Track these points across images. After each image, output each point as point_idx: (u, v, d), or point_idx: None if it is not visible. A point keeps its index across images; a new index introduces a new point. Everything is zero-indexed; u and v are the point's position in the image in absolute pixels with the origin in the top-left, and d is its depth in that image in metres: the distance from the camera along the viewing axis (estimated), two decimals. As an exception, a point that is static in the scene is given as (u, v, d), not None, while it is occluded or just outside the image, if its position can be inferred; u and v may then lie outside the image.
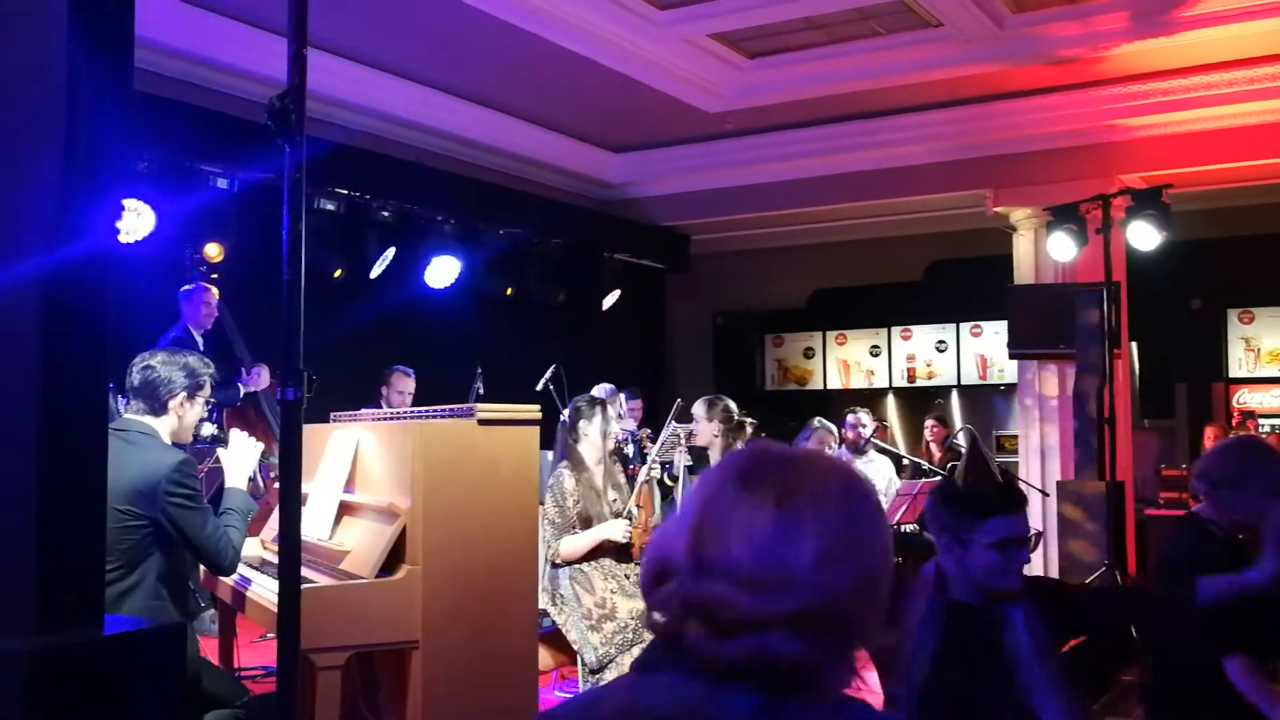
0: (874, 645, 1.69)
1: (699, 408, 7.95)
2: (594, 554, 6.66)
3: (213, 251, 9.46)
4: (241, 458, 5.30)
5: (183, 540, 4.84)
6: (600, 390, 9.81)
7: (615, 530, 6.67)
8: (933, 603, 3.54)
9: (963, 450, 11.88)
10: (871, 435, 10.83)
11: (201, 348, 9.00)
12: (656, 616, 1.67)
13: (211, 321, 9.09)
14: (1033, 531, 3.87)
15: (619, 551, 6.81)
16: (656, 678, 1.64)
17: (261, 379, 9.11)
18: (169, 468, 4.83)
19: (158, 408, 5.10)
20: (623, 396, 10.75)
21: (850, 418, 10.68)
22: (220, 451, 5.44)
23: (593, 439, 6.87)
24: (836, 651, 1.61)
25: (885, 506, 10.51)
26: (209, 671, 5.21)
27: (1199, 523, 4.55)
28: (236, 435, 5.41)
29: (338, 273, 10.42)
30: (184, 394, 5.17)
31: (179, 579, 5.02)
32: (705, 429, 7.82)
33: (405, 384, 10.02)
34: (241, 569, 5.89)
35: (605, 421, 6.95)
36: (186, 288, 9.06)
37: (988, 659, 3.41)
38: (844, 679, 1.63)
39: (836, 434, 9.96)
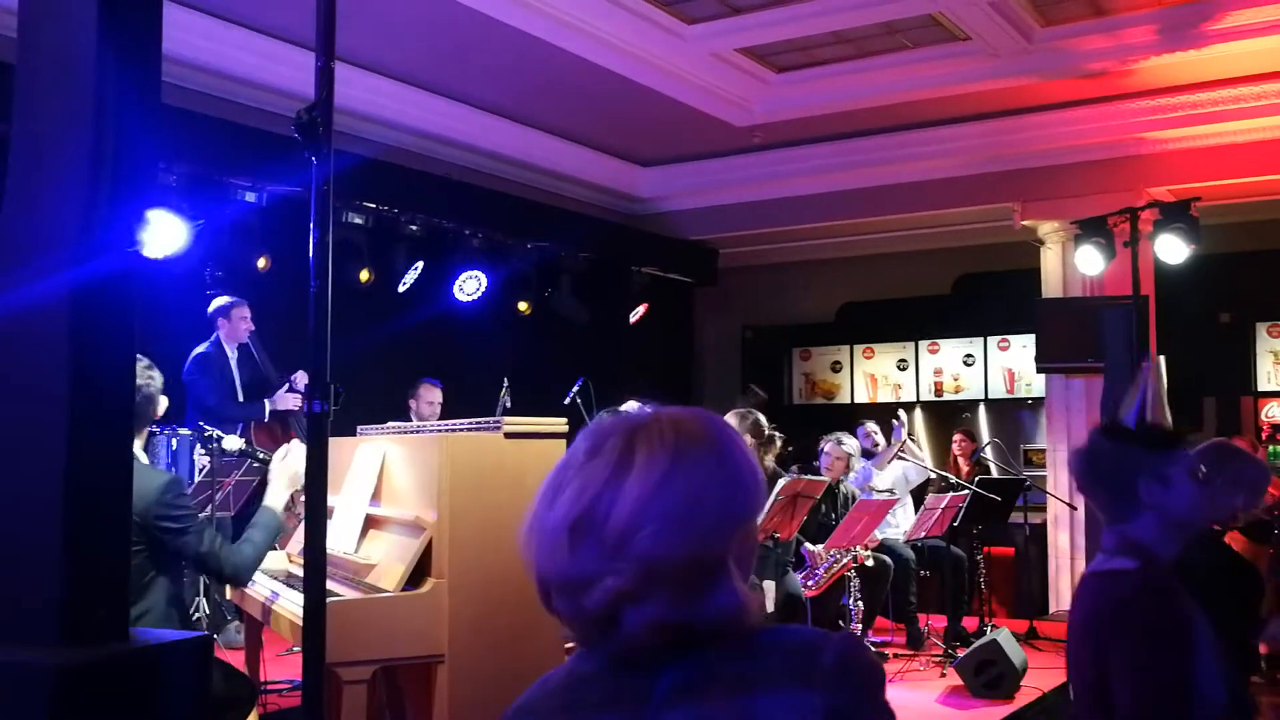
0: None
1: (730, 421, 7.95)
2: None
3: (261, 264, 9.48)
4: (289, 474, 5.23)
5: (184, 560, 4.83)
6: (629, 408, 9.81)
7: None
8: (1167, 604, 3.13)
9: (991, 463, 11.87)
10: (896, 446, 10.84)
11: (235, 363, 9.02)
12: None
13: (245, 334, 9.10)
14: None
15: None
16: (588, 653, 1.73)
17: (296, 392, 9.00)
18: (157, 490, 4.78)
19: (144, 422, 5.08)
20: None
21: (860, 429, 10.80)
22: (276, 460, 5.37)
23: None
24: (696, 605, 1.61)
25: (898, 510, 10.54)
26: (219, 670, 5.22)
27: None
28: (297, 447, 5.33)
29: (365, 274, 10.41)
30: (163, 400, 5.17)
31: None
32: None
33: (433, 395, 10.03)
34: (268, 582, 5.90)
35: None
36: (221, 302, 9.06)
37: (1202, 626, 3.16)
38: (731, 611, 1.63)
39: (858, 447, 9.98)
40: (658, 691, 1.61)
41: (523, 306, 12.27)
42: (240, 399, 9.03)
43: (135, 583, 4.79)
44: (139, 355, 5.24)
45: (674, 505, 1.60)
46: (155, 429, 7.48)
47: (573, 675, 1.73)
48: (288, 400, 8.96)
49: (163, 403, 5.23)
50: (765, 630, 1.66)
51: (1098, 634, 3.16)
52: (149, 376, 5.08)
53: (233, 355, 9.04)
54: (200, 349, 8.82)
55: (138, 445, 5.11)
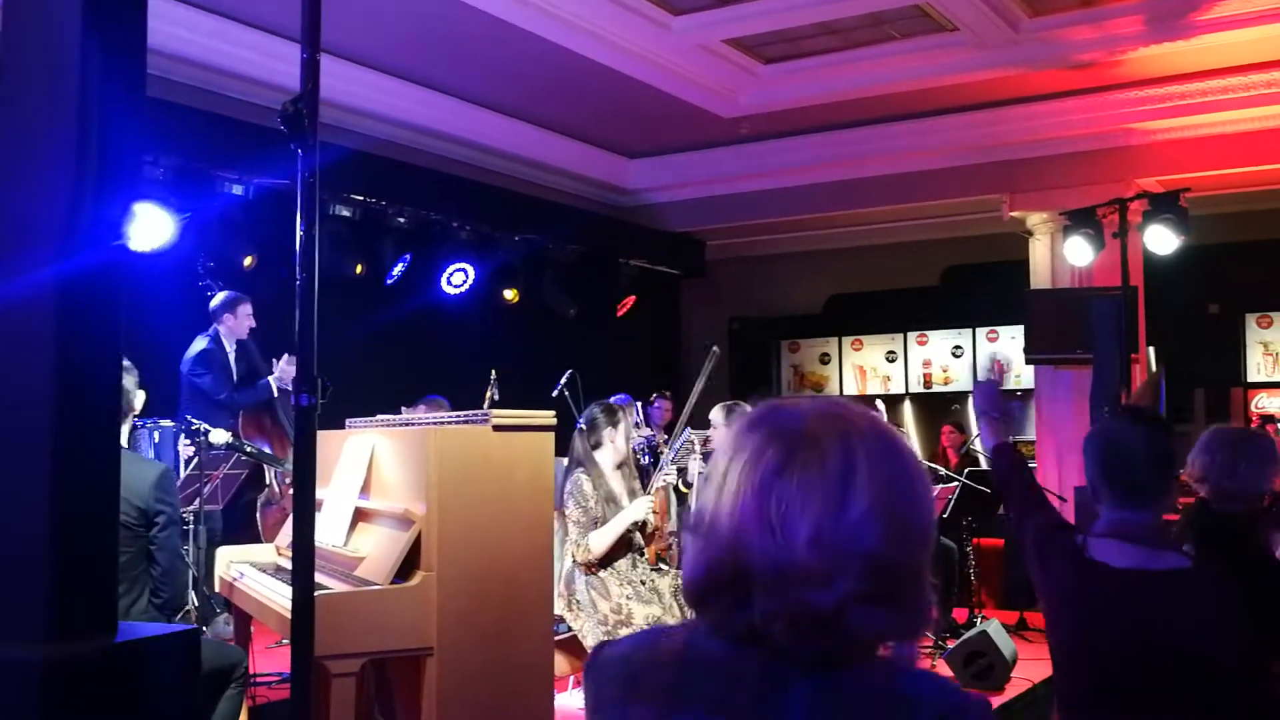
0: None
1: (717, 414, 7.94)
2: (613, 557, 6.65)
3: (247, 262, 9.45)
4: None
5: (162, 553, 4.85)
6: (617, 401, 9.81)
7: (639, 510, 6.66)
8: None
9: (980, 454, 11.87)
10: None
11: (234, 356, 8.99)
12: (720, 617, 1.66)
13: (246, 331, 9.07)
14: None
15: (635, 554, 6.80)
16: (716, 634, 1.66)
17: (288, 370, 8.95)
18: (156, 477, 4.84)
19: (124, 413, 5.10)
20: (638, 405, 10.72)
21: None
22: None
23: (617, 445, 6.87)
24: (907, 612, 1.62)
25: None
26: (208, 648, 5.23)
27: None
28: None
29: (359, 268, 10.41)
30: (135, 397, 5.19)
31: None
32: (724, 434, 7.80)
33: (437, 413, 10.01)
34: (256, 574, 5.90)
35: (625, 428, 6.96)
36: (221, 297, 9.02)
37: None
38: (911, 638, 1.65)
39: None
40: (784, 709, 1.58)
41: (510, 294, 12.26)
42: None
43: (127, 574, 4.80)
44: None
45: (900, 508, 1.60)
46: (138, 422, 7.47)
47: (688, 653, 1.68)
48: (288, 372, 8.89)
49: (139, 397, 5.25)
50: (905, 675, 1.64)
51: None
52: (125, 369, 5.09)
53: (231, 350, 9.00)
54: (201, 346, 8.77)
55: (123, 440, 5.12)
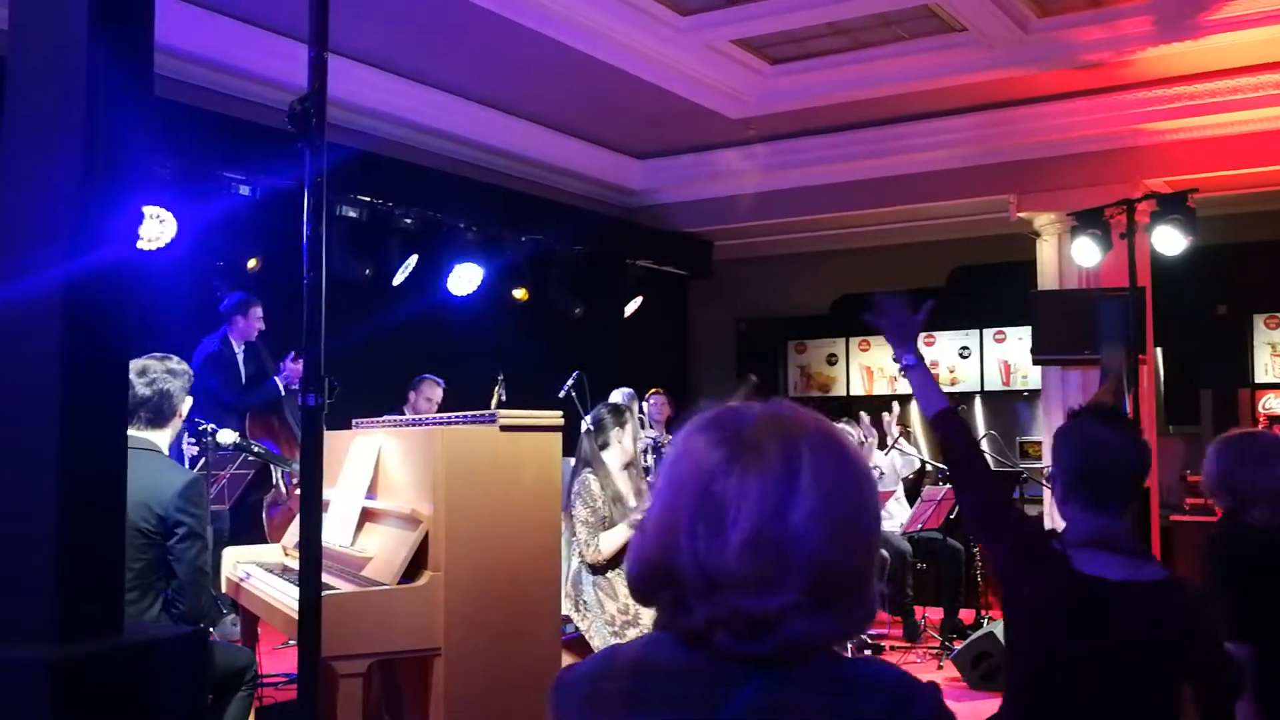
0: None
1: None
2: (621, 557, 6.64)
3: (251, 264, 9.45)
4: None
5: (179, 566, 4.82)
6: (619, 395, 9.80)
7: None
8: None
9: (987, 455, 11.85)
10: (893, 439, 10.81)
11: (242, 358, 8.99)
12: (668, 618, 1.67)
13: (255, 333, 9.07)
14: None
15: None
16: (669, 639, 1.68)
17: (295, 369, 8.96)
18: (182, 486, 4.82)
19: (166, 418, 5.09)
20: (639, 404, 10.71)
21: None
22: None
23: (624, 445, 6.87)
24: (850, 617, 1.64)
25: (890, 502, 10.48)
26: (217, 651, 5.24)
27: None
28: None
29: (368, 271, 10.42)
30: (187, 397, 5.17)
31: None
32: None
33: (435, 392, 10.01)
34: (263, 575, 5.90)
35: (633, 428, 6.96)
36: (236, 299, 9.02)
37: None
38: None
39: (862, 433, 9.94)
40: (735, 702, 1.59)
41: (519, 293, 12.25)
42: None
43: (144, 581, 4.78)
44: (167, 354, 5.26)
45: (844, 512, 1.61)
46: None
47: (643, 661, 1.70)
48: (296, 371, 8.88)
49: (187, 402, 5.23)
50: (853, 661, 1.66)
51: None
52: (169, 372, 5.08)
53: (239, 352, 9.00)
54: (209, 348, 8.77)
55: (163, 442, 5.11)
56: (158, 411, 5.04)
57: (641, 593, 1.71)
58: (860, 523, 1.63)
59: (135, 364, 5.06)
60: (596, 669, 1.76)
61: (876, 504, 1.69)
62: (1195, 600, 3.34)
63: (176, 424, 5.22)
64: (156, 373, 5.04)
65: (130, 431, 5.00)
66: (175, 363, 5.17)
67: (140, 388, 5.00)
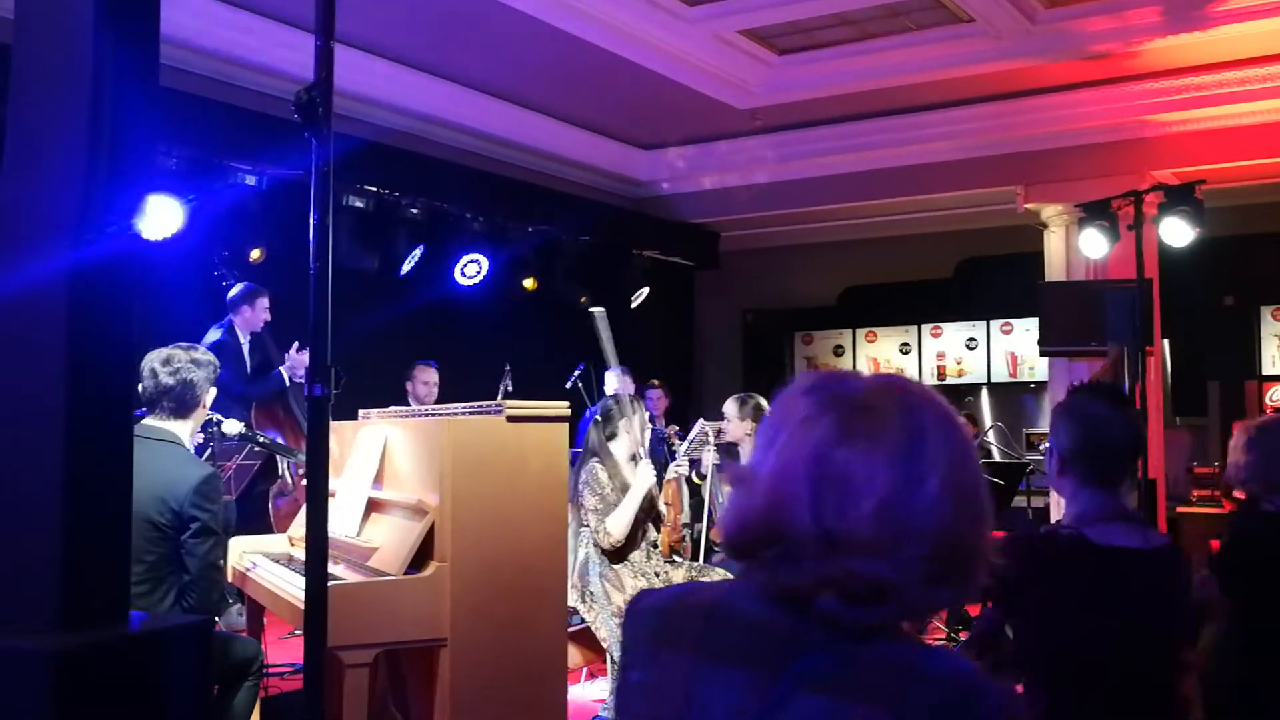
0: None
1: (730, 406, 7.94)
2: (629, 547, 6.64)
3: (255, 255, 9.45)
4: None
5: (189, 560, 4.83)
6: (612, 376, 9.77)
7: (646, 477, 6.64)
8: None
9: (994, 446, 11.86)
10: None
11: (248, 349, 8.98)
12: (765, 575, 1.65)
13: (261, 324, 9.06)
14: None
15: (649, 546, 6.80)
16: (751, 590, 1.67)
17: (300, 360, 8.96)
18: (198, 481, 4.82)
19: (189, 408, 5.09)
20: (631, 381, 10.62)
21: None
22: None
23: (633, 435, 6.87)
24: (964, 589, 1.63)
25: None
26: (223, 641, 5.24)
27: None
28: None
29: (375, 264, 10.43)
30: (211, 388, 5.17)
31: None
32: (737, 427, 7.82)
33: (429, 375, 9.98)
34: (270, 565, 5.90)
35: (640, 419, 6.95)
36: (239, 289, 9.01)
37: None
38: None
39: None
40: (797, 666, 1.58)
41: (529, 283, 12.25)
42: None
43: (157, 573, 4.79)
44: (192, 344, 5.26)
45: (967, 484, 1.61)
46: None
47: (721, 608, 1.70)
48: (299, 361, 8.87)
49: (211, 393, 5.23)
50: (928, 652, 1.62)
51: None
52: (193, 362, 5.08)
53: (245, 343, 8.99)
54: (214, 337, 8.75)
55: (185, 433, 5.11)
56: (181, 401, 5.04)
57: (739, 549, 1.69)
58: (979, 494, 1.62)
59: (160, 353, 5.07)
60: (670, 604, 1.77)
61: (983, 481, 1.66)
62: (1189, 568, 3.48)
63: (200, 415, 5.22)
64: (181, 362, 5.04)
65: (152, 421, 5.02)
66: (200, 353, 5.17)
67: (164, 377, 5.00)
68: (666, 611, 1.76)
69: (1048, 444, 3.56)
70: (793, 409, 1.67)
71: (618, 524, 6.53)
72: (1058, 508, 11.60)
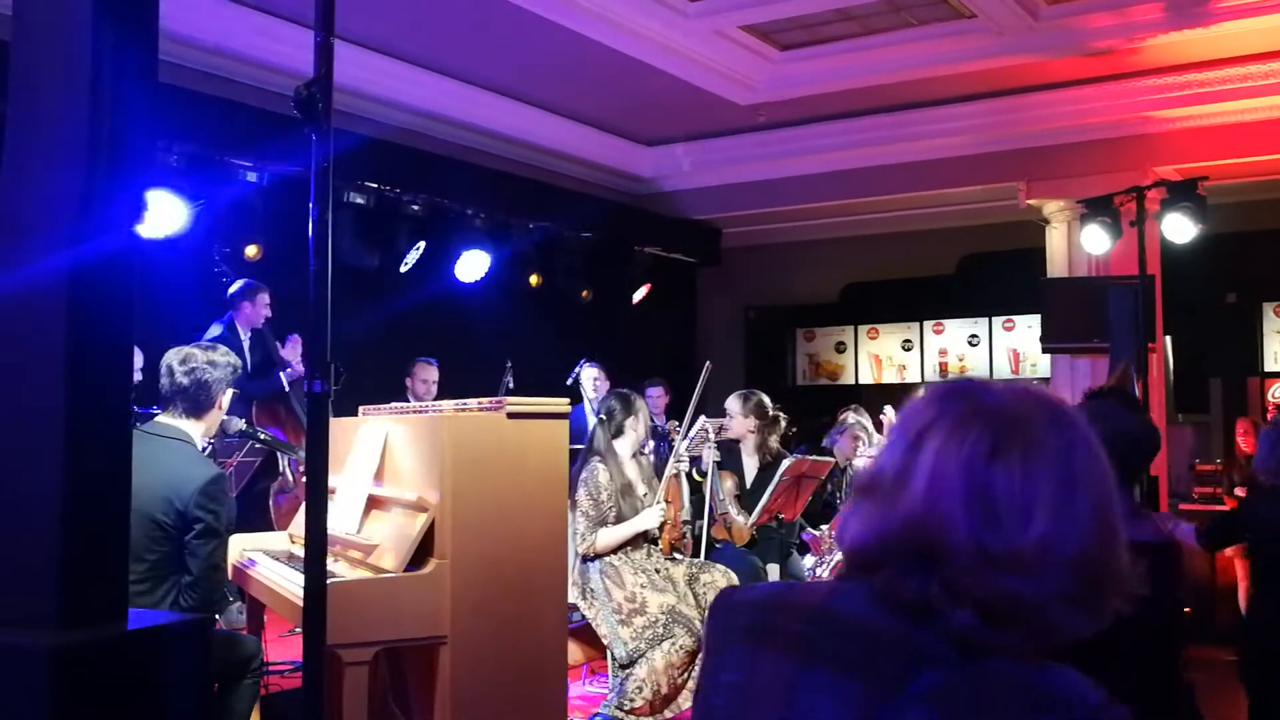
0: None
1: (733, 403, 7.93)
2: (624, 546, 6.65)
3: (252, 252, 9.44)
4: None
5: (192, 560, 4.82)
6: (588, 376, 9.77)
7: (651, 520, 6.66)
8: None
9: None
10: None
11: (248, 345, 8.98)
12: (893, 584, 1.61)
13: (262, 321, 9.05)
14: None
15: (649, 544, 6.80)
16: (858, 592, 1.63)
17: (297, 355, 8.97)
18: (204, 481, 4.82)
19: (203, 409, 5.09)
20: (600, 374, 10.54)
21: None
22: None
23: (637, 432, 6.87)
24: (1102, 610, 1.59)
25: None
26: (223, 640, 5.23)
27: None
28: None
29: (375, 262, 10.42)
30: (228, 390, 5.17)
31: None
32: (740, 424, 7.81)
33: (429, 373, 9.98)
34: (269, 562, 5.89)
35: (644, 415, 6.96)
36: (239, 285, 9.01)
37: None
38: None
39: (871, 424, 9.84)
40: (915, 683, 1.54)
41: (534, 279, 12.25)
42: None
43: (159, 571, 4.78)
44: (213, 344, 5.25)
45: (1106, 504, 1.58)
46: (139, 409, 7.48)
47: (828, 610, 1.65)
48: (298, 351, 8.87)
49: (228, 395, 5.22)
50: (1051, 673, 1.58)
51: None
52: (209, 363, 5.07)
53: (245, 339, 8.98)
54: (214, 334, 8.75)
55: (198, 433, 5.10)
56: (194, 402, 5.04)
57: (866, 560, 1.64)
58: (1115, 512, 1.59)
59: (178, 352, 5.07)
60: (767, 601, 1.72)
61: (1115, 498, 1.62)
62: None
63: (214, 416, 5.22)
64: (197, 362, 5.04)
65: (165, 419, 5.02)
66: (219, 354, 5.16)
67: (179, 376, 5.00)
68: (763, 608, 1.71)
69: None
70: (932, 418, 1.64)
71: (606, 542, 6.56)
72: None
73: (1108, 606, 1.59)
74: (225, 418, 5.96)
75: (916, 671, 1.55)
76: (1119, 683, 3.37)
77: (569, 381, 9.76)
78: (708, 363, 7.85)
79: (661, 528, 6.87)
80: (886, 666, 1.56)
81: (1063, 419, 1.61)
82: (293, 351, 9.00)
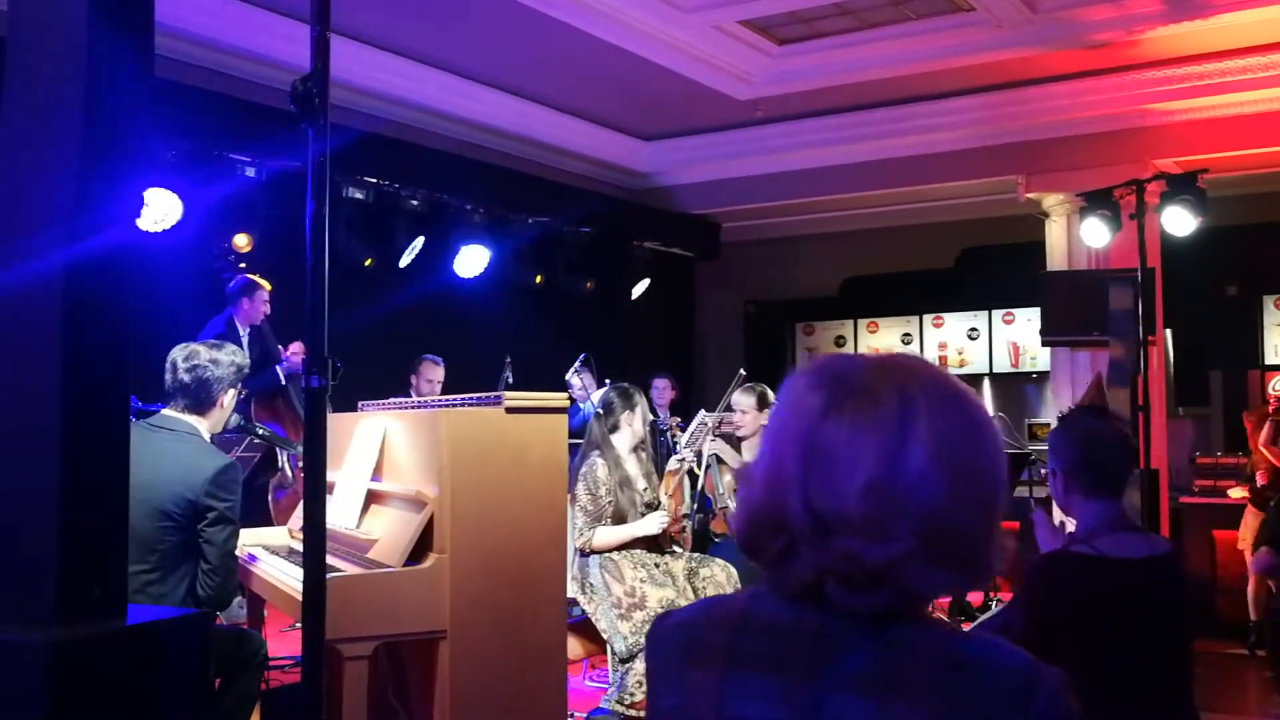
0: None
1: (746, 399, 7.92)
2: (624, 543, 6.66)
3: (241, 242, 9.43)
4: None
5: (207, 548, 4.84)
6: (575, 374, 9.76)
7: (651, 526, 6.67)
8: None
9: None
10: None
11: (246, 341, 8.97)
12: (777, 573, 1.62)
13: (261, 317, 9.04)
14: None
15: (649, 541, 6.80)
16: (773, 595, 1.64)
17: (296, 355, 8.98)
18: (215, 471, 4.84)
19: (205, 406, 5.10)
20: (591, 373, 10.53)
21: None
22: None
23: (634, 428, 6.87)
24: (967, 571, 1.58)
25: None
26: (226, 636, 5.24)
27: None
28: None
29: (368, 262, 10.40)
30: (230, 389, 5.17)
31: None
32: (753, 419, 7.80)
33: (435, 372, 9.98)
34: (269, 557, 5.90)
35: (642, 411, 6.96)
36: (243, 282, 9.00)
37: None
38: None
39: None
40: (842, 668, 1.55)
41: (538, 279, 12.26)
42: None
43: (169, 562, 4.80)
44: (220, 343, 5.26)
45: (962, 462, 1.55)
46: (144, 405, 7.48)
47: (746, 616, 1.65)
48: (296, 358, 8.87)
49: (230, 393, 5.23)
50: (972, 638, 1.59)
51: None
52: (212, 361, 5.08)
53: (244, 335, 8.97)
54: (212, 325, 8.75)
55: (203, 429, 5.11)
56: (196, 399, 5.06)
57: (751, 547, 1.65)
58: (979, 472, 1.57)
59: (184, 348, 5.09)
60: (695, 619, 1.72)
61: (1000, 456, 1.61)
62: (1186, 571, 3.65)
63: (219, 414, 5.23)
64: (200, 359, 5.06)
65: (171, 413, 5.03)
66: (224, 352, 5.17)
67: (182, 373, 5.03)
68: (692, 626, 1.71)
69: (1049, 468, 3.69)
70: (791, 393, 1.65)
71: (603, 541, 6.57)
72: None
73: (975, 570, 1.59)
74: (223, 413, 5.97)
75: (830, 656, 1.56)
76: (1138, 700, 3.42)
77: (568, 376, 9.76)
78: (741, 370, 7.89)
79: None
80: (801, 656, 1.57)
81: (908, 379, 1.59)
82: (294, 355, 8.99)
